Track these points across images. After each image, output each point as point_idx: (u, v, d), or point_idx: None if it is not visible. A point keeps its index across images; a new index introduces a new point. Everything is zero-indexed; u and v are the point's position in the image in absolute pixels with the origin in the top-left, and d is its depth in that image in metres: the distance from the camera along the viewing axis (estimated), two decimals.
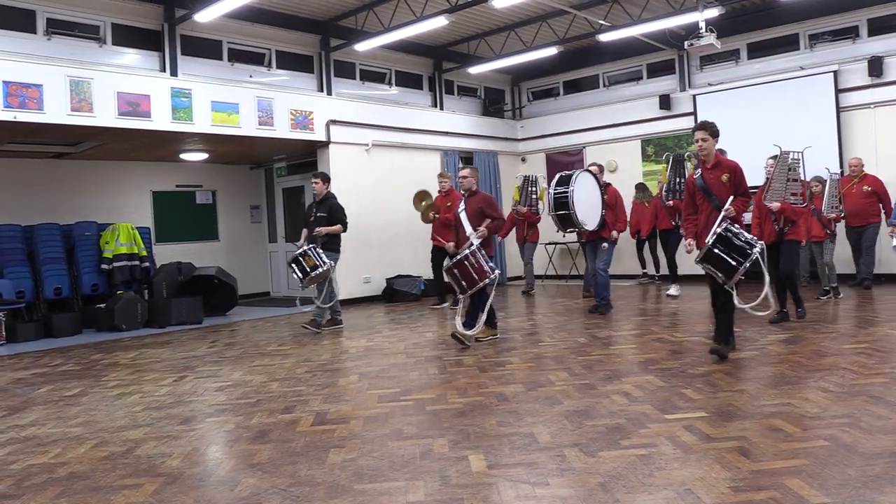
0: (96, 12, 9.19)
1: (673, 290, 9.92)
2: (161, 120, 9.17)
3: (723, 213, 5.22)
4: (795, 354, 5.44)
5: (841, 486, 2.78)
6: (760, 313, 5.76)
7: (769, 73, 11.46)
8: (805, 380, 4.60)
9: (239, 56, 10.65)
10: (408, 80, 13.08)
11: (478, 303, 6.66)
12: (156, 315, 9.51)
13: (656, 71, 13.08)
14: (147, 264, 10.23)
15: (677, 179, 9.59)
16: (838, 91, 10.65)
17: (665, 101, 12.47)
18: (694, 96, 12.13)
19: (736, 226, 5.19)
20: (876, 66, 10.32)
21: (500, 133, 14.28)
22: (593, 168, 8.39)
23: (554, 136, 14.04)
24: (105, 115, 8.65)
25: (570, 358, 5.79)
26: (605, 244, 8.24)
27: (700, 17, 9.54)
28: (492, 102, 14.52)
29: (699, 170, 5.57)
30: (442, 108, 13.39)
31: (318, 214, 8.15)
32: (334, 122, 11.10)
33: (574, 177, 7.76)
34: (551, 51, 11.85)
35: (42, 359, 7.31)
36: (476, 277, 6.52)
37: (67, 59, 8.66)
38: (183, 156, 11.48)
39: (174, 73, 9.62)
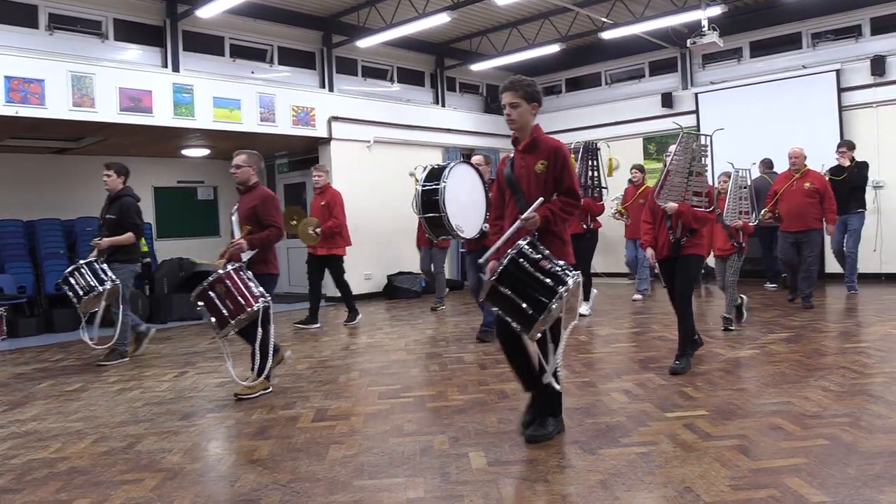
0: (98, 7, 9.19)
1: (584, 308, 8.00)
2: (163, 116, 9.17)
3: (517, 223, 3.44)
4: (796, 353, 5.43)
5: (841, 485, 2.78)
6: (556, 384, 3.53)
7: (771, 72, 11.45)
8: (805, 379, 4.60)
9: (241, 52, 10.65)
10: (410, 77, 13.07)
11: (254, 343, 4.77)
12: (156, 310, 9.53)
13: (658, 69, 13.07)
14: (148, 260, 10.24)
15: (590, 173, 8.04)
16: (840, 90, 10.64)
17: (667, 100, 12.46)
18: (696, 94, 12.12)
19: (540, 246, 3.34)
20: (878, 65, 10.30)
21: (501, 130, 14.24)
22: (477, 159, 6.79)
23: (556, 133, 14.00)
24: (107, 111, 8.65)
25: (571, 356, 5.79)
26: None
27: (703, 15, 9.53)
28: (494, 100, 14.49)
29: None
30: (444, 105, 13.38)
31: (108, 216, 6.45)
32: (336, 118, 11.10)
33: (448, 170, 6.06)
34: (554, 48, 11.85)
35: (43, 354, 7.32)
36: (232, 308, 4.65)
37: (69, 55, 8.66)
38: (184, 151, 11.49)
39: (176, 68, 9.62)
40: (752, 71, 11.80)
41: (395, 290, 11.46)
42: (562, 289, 3.18)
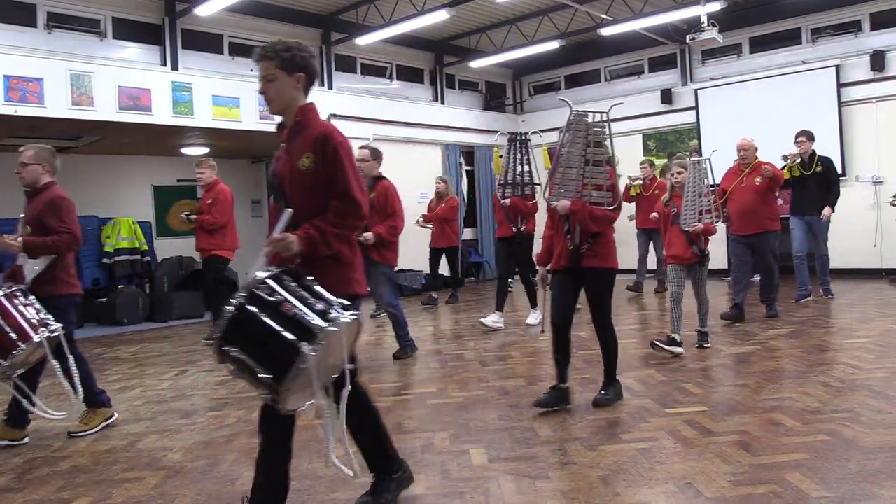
0: (97, 6, 9.17)
1: (532, 317, 7.32)
2: (162, 114, 9.16)
3: (264, 248, 2.55)
4: (796, 349, 5.43)
5: (841, 481, 2.78)
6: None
7: (771, 68, 11.43)
8: (806, 374, 4.60)
9: (240, 50, 10.62)
10: (409, 74, 13.06)
11: (67, 378, 3.91)
12: (157, 309, 9.52)
13: (658, 65, 13.05)
14: (148, 258, 10.24)
15: (519, 168, 7.24)
16: (840, 85, 10.62)
17: (667, 96, 12.44)
18: (696, 90, 12.10)
19: (287, 281, 2.42)
20: (878, 60, 10.28)
21: (501, 127, 14.19)
22: (363, 153, 5.91)
23: (555, 130, 13.94)
24: (106, 109, 8.64)
25: (571, 352, 5.77)
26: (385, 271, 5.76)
27: (702, 11, 9.51)
28: (493, 97, 14.50)
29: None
30: (443, 103, 13.36)
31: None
32: (335, 116, 11.08)
33: None
34: (553, 45, 11.83)
35: None
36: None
37: (68, 53, 8.64)
38: (184, 150, 11.48)
39: (175, 67, 9.60)
40: (751, 67, 11.78)
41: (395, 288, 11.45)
42: (306, 347, 2.22)
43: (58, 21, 8.82)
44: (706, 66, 12.44)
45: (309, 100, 2.83)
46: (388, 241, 5.71)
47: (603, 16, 10.85)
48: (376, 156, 5.99)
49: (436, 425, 3.89)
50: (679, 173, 5.56)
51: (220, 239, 7.20)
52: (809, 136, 7.71)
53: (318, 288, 2.45)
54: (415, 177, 11.21)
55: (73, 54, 8.68)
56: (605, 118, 4.22)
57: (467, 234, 13.23)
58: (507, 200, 7.14)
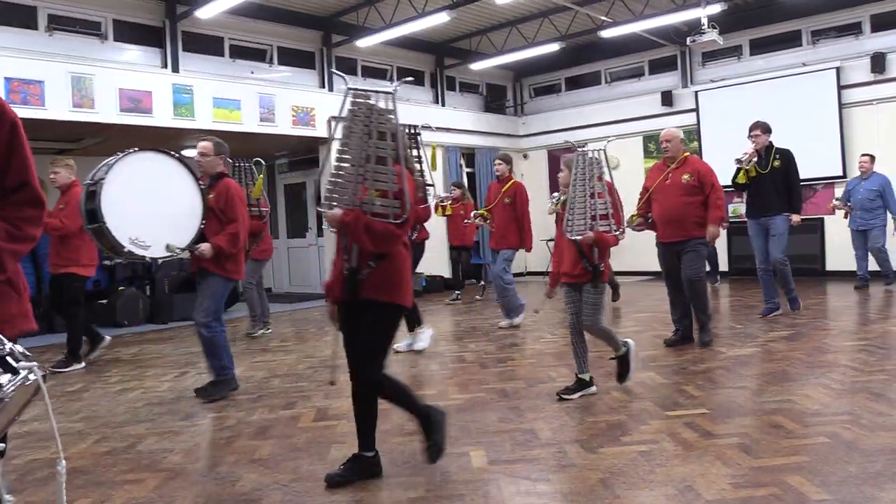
0: (98, 8, 9.19)
1: (402, 344, 6.18)
2: (163, 116, 9.18)
3: None
4: (796, 351, 5.43)
5: (841, 483, 2.78)
6: None
7: (771, 70, 11.44)
8: (806, 376, 4.60)
9: (240, 52, 10.65)
10: (409, 76, 13.07)
11: None
12: (158, 311, 9.53)
13: (658, 67, 13.07)
14: (149, 260, 10.22)
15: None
16: (841, 87, 10.63)
17: (667, 98, 12.46)
18: (696, 92, 12.12)
19: None
20: (879, 62, 10.29)
21: (501, 129, 14.27)
22: (204, 145, 4.85)
23: (556, 132, 14.03)
24: (107, 112, 8.66)
25: (571, 354, 5.77)
26: None
27: (702, 13, 9.53)
28: (494, 99, 14.51)
29: None
30: (444, 105, 13.38)
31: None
32: (335, 118, 11.10)
33: (115, 162, 4.51)
34: (553, 47, 11.85)
35: (44, 354, 7.31)
36: None
37: (69, 56, 8.67)
38: (185, 152, 11.48)
39: (176, 69, 9.62)
40: (752, 69, 11.79)
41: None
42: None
43: (59, 23, 8.84)
44: (706, 68, 12.45)
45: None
46: (229, 254, 4.73)
47: (603, 18, 10.86)
48: (220, 150, 4.90)
49: None
50: (563, 171, 4.55)
51: (74, 253, 6.07)
52: (765, 129, 6.85)
53: None
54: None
55: (74, 56, 8.70)
56: (390, 101, 3.06)
57: None
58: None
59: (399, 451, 3.51)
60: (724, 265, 11.25)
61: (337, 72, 3.60)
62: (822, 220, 10.55)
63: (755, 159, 6.75)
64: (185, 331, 8.68)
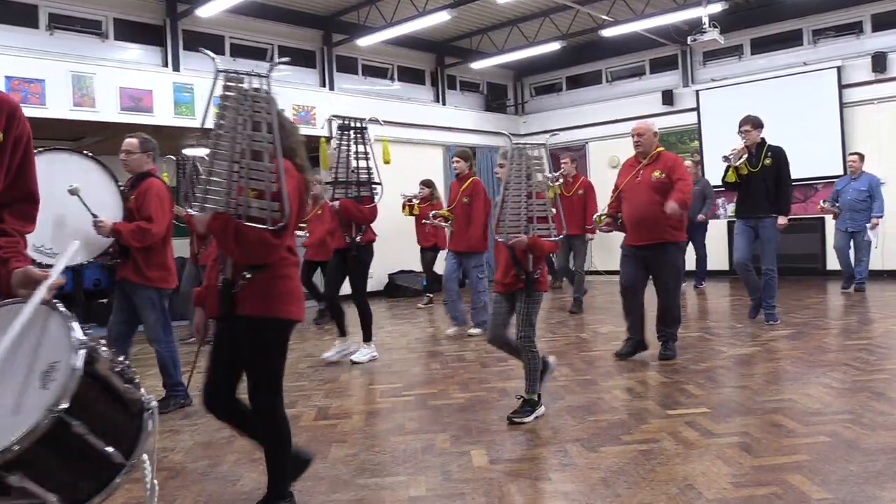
0: (98, 7, 9.19)
1: (360, 353, 5.91)
2: (163, 115, 9.18)
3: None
4: (797, 350, 5.43)
5: (842, 482, 2.78)
6: None
7: (772, 69, 11.43)
8: (807, 376, 4.60)
9: (241, 51, 10.65)
10: (410, 76, 13.07)
11: None
12: None
13: (659, 66, 13.06)
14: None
15: (354, 164, 5.73)
16: (841, 87, 10.62)
17: (668, 97, 12.45)
18: (697, 92, 12.10)
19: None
20: (880, 61, 10.28)
21: (502, 128, 14.19)
22: (133, 140, 4.60)
23: (556, 131, 14.00)
24: (107, 111, 8.65)
25: (572, 353, 5.79)
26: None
27: (703, 12, 9.52)
28: (494, 98, 14.51)
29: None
30: (444, 104, 13.38)
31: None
32: (336, 117, 11.09)
33: None
34: (554, 46, 11.84)
35: None
36: None
37: (69, 54, 8.66)
38: (185, 151, 11.49)
39: (176, 68, 9.62)
40: (752, 68, 11.78)
41: (396, 289, 11.47)
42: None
43: (59, 22, 8.83)
44: (707, 67, 12.44)
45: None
46: (144, 255, 4.34)
47: (604, 17, 10.85)
48: (147, 147, 4.64)
49: (437, 426, 3.88)
50: (501, 166, 4.06)
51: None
52: (755, 124, 6.43)
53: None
54: (416, 178, 11.20)
55: (75, 55, 8.69)
56: (265, 85, 2.53)
57: None
58: (336, 203, 5.61)
59: (400, 450, 3.51)
60: (724, 264, 11.23)
61: (205, 50, 2.88)
62: (822, 219, 10.54)
63: (745, 156, 6.35)
64: (185, 330, 8.67)
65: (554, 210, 3.83)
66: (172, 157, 6.17)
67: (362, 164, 5.70)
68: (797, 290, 9.13)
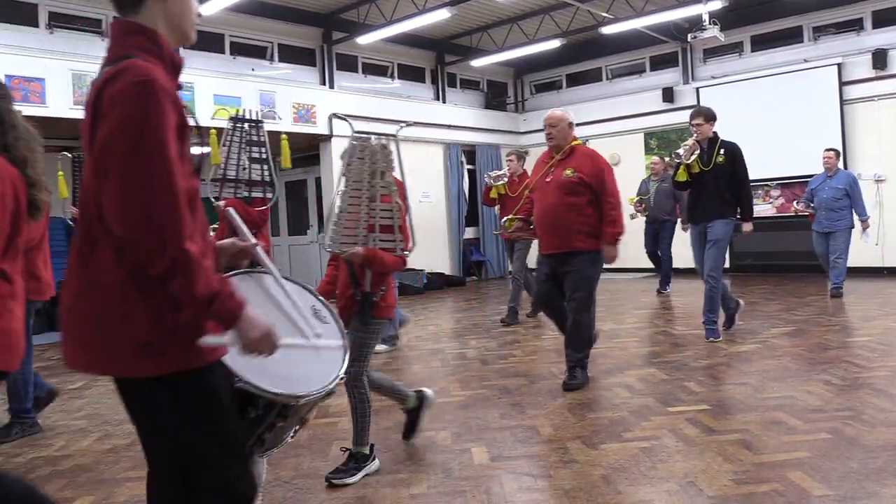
0: (98, 6, 9.18)
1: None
2: None
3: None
4: (798, 347, 5.43)
5: (843, 479, 2.78)
6: None
7: (772, 66, 11.42)
8: (808, 373, 4.60)
9: (241, 49, 10.64)
10: (410, 74, 13.06)
11: None
12: None
13: (659, 64, 13.05)
14: None
15: (245, 162, 5.23)
16: (842, 84, 10.61)
17: (668, 94, 12.44)
18: (697, 89, 12.09)
19: None
20: (880, 58, 10.27)
21: (502, 126, 14.26)
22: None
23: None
24: None
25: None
26: None
27: (703, 9, 9.50)
28: (494, 95, 14.50)
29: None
30: (444, 102, 13.36)
31: None
32: (336, 115, 11.09)
33: None
34: (554, 44, 11.83)
35: (46, 352, 7.33)
36: None
37: (70, 53, 8.66)
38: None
39: None
40: (753, 65, 11.77)
41: (397, 287, 11.48)
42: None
43: (59, 21, 8.83)
44: (708, 64, 12.43)
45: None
46: None
47: (604, 14, 10.85)
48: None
49: (437, 424, 3.89)
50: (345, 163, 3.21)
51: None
52: (707, 116, 5.82)
53: None
54: (416, 176, 11.22)
55: (75, 54, 8.69)
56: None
57: (469, 232, 13.25)
58: (222, 203, 4.86)
59: (401, 449, 3.51)
60: (725, 262, 11.23)
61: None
62: None
63: (696, 153, 5.72)
64: None
65: (401, 220, 3.12)
66: (68, 153, 5.70)
67: (255, 163, 5.13)
68: (798, 287, 9.14)
